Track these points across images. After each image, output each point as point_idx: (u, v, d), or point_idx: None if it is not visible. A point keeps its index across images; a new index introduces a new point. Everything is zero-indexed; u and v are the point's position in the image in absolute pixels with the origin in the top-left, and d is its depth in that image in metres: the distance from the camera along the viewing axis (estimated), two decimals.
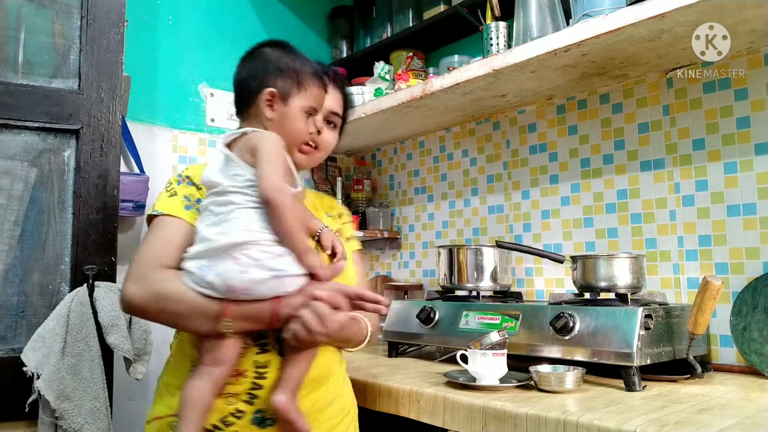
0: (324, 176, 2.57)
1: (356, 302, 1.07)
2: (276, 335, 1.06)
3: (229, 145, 1.08)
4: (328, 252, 1.16)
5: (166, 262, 1.04)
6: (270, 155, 1.02)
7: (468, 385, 1.28)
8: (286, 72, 1.13)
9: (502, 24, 1.72)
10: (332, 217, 1.35)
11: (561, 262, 1.58)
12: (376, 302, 1.08)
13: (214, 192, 1.04)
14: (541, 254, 1.62)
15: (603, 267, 1.47)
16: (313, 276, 1.04)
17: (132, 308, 1.03)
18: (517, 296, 1.82)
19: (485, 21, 1.77)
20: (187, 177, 1.17)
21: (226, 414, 1.03)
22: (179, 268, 1.03)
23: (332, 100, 1.28)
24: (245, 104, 1.14)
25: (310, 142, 1.19)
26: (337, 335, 1.07)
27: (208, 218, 1.03)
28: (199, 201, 1.11)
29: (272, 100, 1.11)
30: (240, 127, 1.14)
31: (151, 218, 1.12)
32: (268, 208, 1.00)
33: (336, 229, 1.29)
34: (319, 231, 1.18)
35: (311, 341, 1.02)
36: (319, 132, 1.19)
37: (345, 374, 1.26)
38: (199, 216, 1.07)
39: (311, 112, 1.15)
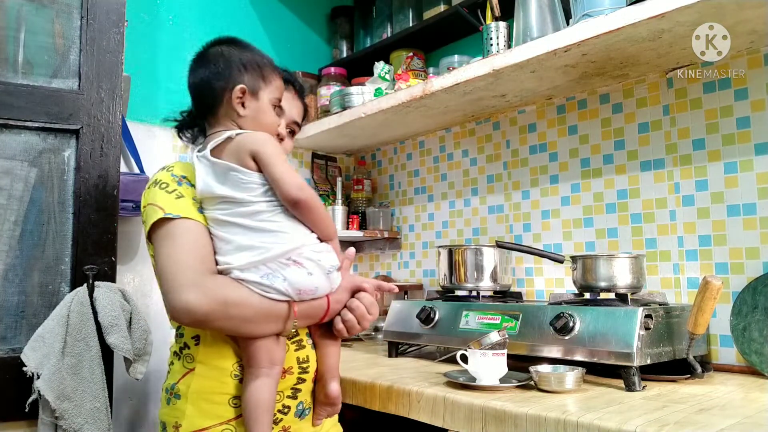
0: (324, 176, 2.57)
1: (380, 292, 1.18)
2: (307, 331, 1.15)
3: (213, 152, 1.07)
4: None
5: (211, 268, 1.02)
6: (278, 157, 1.04)
7: (468, 385, 1.28)
8: (250, 67, 1.12)
9: (502, 24, 1.72)
10: None
11: (561, 262, 1.58)
12: (390, 291, 1.19)
13: (229, 203, 1.04)
14: (541, 254, 1.62)
15: (603, 267, 1.47)
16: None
17: (193, 318, 0.97)
18: (517, 296, 1.82)
19: (485, 21, 1.77)
20: (184, 177, 1.12)
21: (275, 412, 1.07)
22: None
23: (295, 110, 1.29)
24: (211, 106, 1.12)
25: (282, 137, 1.24)
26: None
27: (235, 230, 1.03)
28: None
29: (243, 97, 1.10)
30: (210, 131, 1.13)
31: (162, 221, 1.04)
32: (298, 208, 1.04)
33: None
34: None
35: (359, 330, 1.12)
36: (280, 137, 1.22)
37: None
38: (215, 225, 1.05)
39: (277, 104, 1.16)
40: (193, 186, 1.11)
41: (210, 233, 1.06)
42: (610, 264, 1.46)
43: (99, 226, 1.58)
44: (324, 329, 1.15)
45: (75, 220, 1.56)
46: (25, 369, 1.41)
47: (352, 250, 1.19)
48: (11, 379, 1.42)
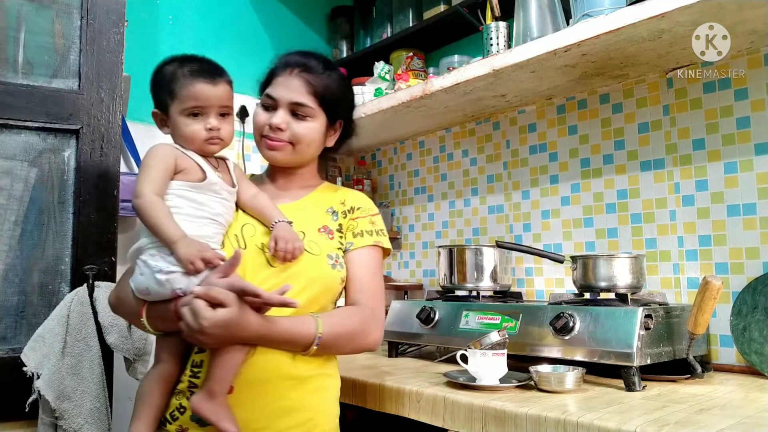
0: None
1: (246, 299, 1.00)
2: None
3: None
4: (271, 244, 1.10)
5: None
6: (143, 166, 1.11)
7: (468, 385, 1.28)
8: (160, 87, 1.15)
9: (502, 24, 1.72)
10: (336, 212, 1.24)
11: (561, 262, 1.58)
12: (256, 295, 1.00)
13: None
14: (541, 254, 1.62)
15: (603, 267, 1.47)
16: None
17: (112, 309, 1.23)
18: (517, 296, 1.82)
19: (485, 21, 1.77)
20: None
21: (173, 409, 1.09)
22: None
23: (289, 91, 1.18)
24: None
25: (272, 135, 1.20)
26: (217, 333, 0.97)
27: None
28: None
29: (163, 120, 1.17)
30: None
31: None
32: (136, 212, 1.08)
33: (339, 224, 1.22)
34: (274, 223, 1.14)
35: (197, 339, 0.98)
36: (275, 127, 1.18)
37: (321, 383, 1.14)
38: None
39: (196, 111, 1.13)
40: None
41: None
42: (610, 264, 1.46)
43: (99, 226, 1.58)
44: None
45: (75, 220, 1.56)
46: (25, 369, 1.41)
47: (238, 252, 1.03)
48: (11, 379, 1.42)
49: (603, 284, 1.46)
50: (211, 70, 1.16)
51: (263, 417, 1.06)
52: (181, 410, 1.08)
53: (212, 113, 1.14)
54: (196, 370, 1.08)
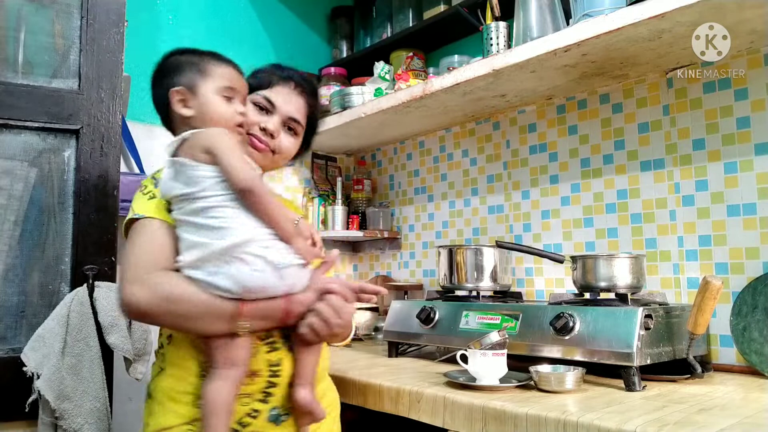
0: (324, 176, 2.57)
1: (359, 295, 1.10)
2: (283, 333, 1.08)
3: (174, 155, 1.06)
4: (309, 242, 1.13)
5: (162, 265, 1.01)
6: (228, 148, 1.01)
7: (468, 385, 1.28)
8: (184, 66, 1.09)
9: (502, 24, 1.72)
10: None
11: (561, 262, 1.58)
12: (376, 293, 1.11)
13: (183, 200, 1.02)
14: (541, 254, 1.62)
15: (603, 267, 1.47)
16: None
17: (137, 312, 0.99)
18: (517, 296, 1.82)
19: (485, 21, 1.77)
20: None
21: (242, 415, 1.04)
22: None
23: (292, 106, 1.23)
24: (165, 117, 1.12)
25: (262, 138, 1.19)
26: (348, 327, 1.10)
27: (189, 227, 1.02)
28: None
29: (184, 98, 1.08)
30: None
31: (131, 222, 1.08)
32: (245, 198, 0.99)
33: None
34: (296, 221, 1.15)
35: (328, 334, 1.05)
36: (269, 132, 1.19)
37: (327, 370, 1.28)
38: (177, 227, 1.04)
39: (228, 94, 1.10)
40: None
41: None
42: (610, 264, 1.46)
43: (99, 226, 1.57)
44: (295, 333, 1.09)
45: (75, 220, 1.56)
46: (25, 369, 1.41)
47: (335, 252, 1.16)
48: (11, 379, 1.42)
49: (603, 284, 1.46)
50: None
51: None
52: (254, 414, 1.05)
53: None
54: (275, 369, 1.07)
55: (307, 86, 1.27)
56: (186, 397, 1.05)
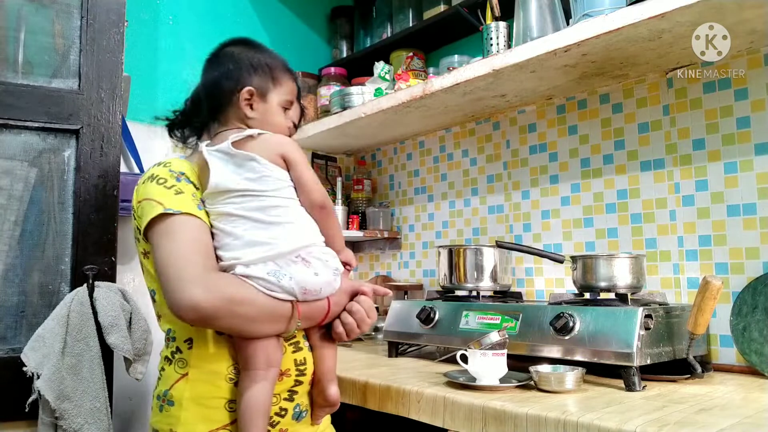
0: (324, 176, 2.57)
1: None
2: (303, 333, 1.13)
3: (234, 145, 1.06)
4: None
5: (213, 264, 1.00)
6: (305, 163, 1.08)
7: (468, 385, 1.28)
8: (260, 69, 1.11)
9: (502, 24, 1.72)
10: None
11: (561, 262, 1.58)
12: (386, 294, 1.21)
13: (242, 196, 1.02)
14: (541, 254, 1.62)
15: (603, 267, 1.47)
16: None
17: (199, 315, 0.94)
18: (517, 296, 1.82)
19: (485, 21, 1.77)
20: (182, 173, 1.08)
21: (271, 415, 1.06)
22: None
23: (296, 114, 1.26)
24: (221, 106, 1.12)
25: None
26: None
27: (244, 223, 1.01)
28: (203, 201, 1.07)
29: (251, 99, 1.10)
30: (219, 129, 1.12)
31: (162, 216, 1.00)
32: (319, 212, 1.08)
33: None
34: None
35: (357, 333, 1.12)
36: (296, 127, 1.22)
37: None
38: (222, 220, 1.02)
39: (287, 106, 1.15)
40: (192, 183, 1.07)
41: (213, 230, 1.04)
42: (610, 264, 1.46)
43: (99, 226, 1.58)
44: (322, 332, 1.14)
45: (75, 220, 1.56)
46: (25, 369, 1.41)
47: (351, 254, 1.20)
48: (11, 379, 1.42)
49: (603, 284, 1.46)
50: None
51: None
52: (282, 413, 1.09)
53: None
54: (302, 368, 1.11)
55: (299, 91, 1.27)
56: (217, 401, 1.04)
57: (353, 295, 1.13)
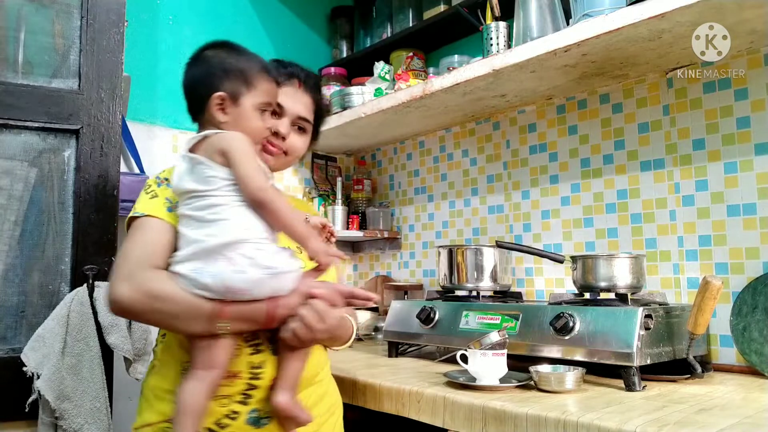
0: (324, 176, 2.57)
1: (349, 300, 1.09)
2: (269, 335, 1.07)
3: (191, 150, 1.06)
4: (323, 237, 1.17)
5: (153, 263, 1.01)
6: (244, 155, 1.01)
7: (468, 385, 1.28)
8: (232, 73, 1.08)
9: (502, 24, 1.72)
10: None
11: (561, 262, 1.58)
12: (368, 299, 1.11)
13: (192, 197, 1.02)
14: (541, 254, 1.62)
15: (603, 267, 1.46)
16: (314, 264, 1.05)
17: (121, 308, 1.00)
18: (517, 296, 1.82)
19: (485, 21, 1.77)
20: (166, 179, 1.13)
21: (220, 416, 1.03)
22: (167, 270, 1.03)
23: (300, 105, 1.24)
24: (197, 110, 1.11)
25: (274, 142, 1.20)
26: (333, 333, 1.10)
27: (191, 223, 1.01)
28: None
29: (223, 104, 1.08)
30: (198, 132, 1.11)
31: (131, 220, 1.09)
32: (261, 208, 1.00)
33: None
34: (306, 218, 1.17)
35: (311, 339, 1.03)
36: (280, 135, 1.20)
37: (330, 373, 1.28)
38: (182, 221, 1.04)
39: (265, 108, 1.12)
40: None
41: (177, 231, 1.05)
42: (610, 264, 1.46)
43: (99, 226, 1.58)
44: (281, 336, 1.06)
45: (75, 220, 1.56)
46: (25, 369, 1.41)
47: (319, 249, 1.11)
48: (11, 379, 1.42)
49: (603, 284, 1.46)
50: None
51: (310, 405, 1.13)
52: (233, 416, 1.03)
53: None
54: (257, 371, 1.05)
55: (312, 81, 1.28)
56: (169, 395, 1.05)
57: (308, 298, 1.03)
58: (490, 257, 1.73)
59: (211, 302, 0.97)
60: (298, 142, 1.25)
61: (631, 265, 1.46)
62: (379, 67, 2.19)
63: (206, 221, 1.00)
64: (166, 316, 0.99)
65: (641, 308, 1.27)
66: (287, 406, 1.02)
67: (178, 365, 1.07)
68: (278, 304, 1.01)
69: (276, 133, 1.20)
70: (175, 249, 1.03)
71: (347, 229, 2.39)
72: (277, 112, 1.21)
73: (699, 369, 1.29)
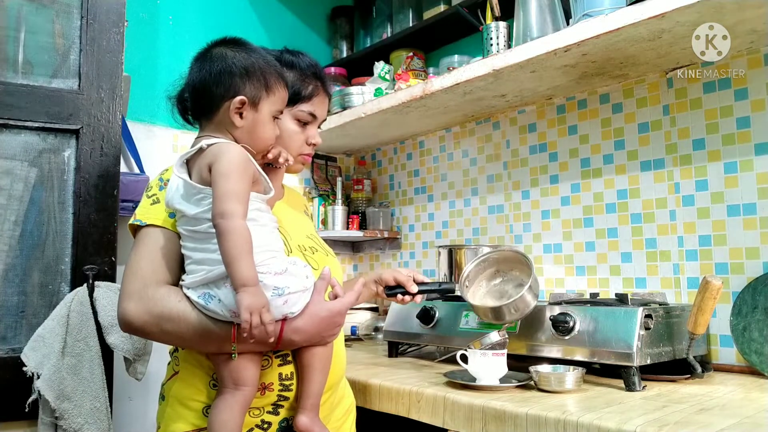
0: (324, 176, 2.57)
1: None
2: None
3: (188, 162, 1.01)
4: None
5: (162, 277, 0.99)
6: (224, 176, 0.94)
7: (468, 385, 1.28)
8: (254, 75, 1.02)
9: (502, 24, 1.72)
10: (307, 216, 1.37)
11: (452, 292, 1.48)
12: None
13: (188, 219, 0.98)
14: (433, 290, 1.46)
15: None
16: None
17: (131, 329, 0.98)
18: None
19: (485, 21, 1.77)
20: (168, 181, 1.07)
21: (251, 426, 1.02)
22: (178, 279, 1.01)
23: (325, 109, 1.24)
24: (207, 110, 1.04)
25: (309, 151, 1.21)
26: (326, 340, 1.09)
27: (192, 244, 0.99)
28: None
29: (242, 108, 1.02)
30: (199, 134, 1.07)
31: (135, 228, 1.05)
32: (216, 233, 0.92)
33: (310, 234, 1.25)
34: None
35: (324, 342, 1.05)
36: (317, 145, 1.22)
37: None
38: (182, 239, 1.01)
39: (277, 116, 1.08)
40: None
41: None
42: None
43: (99, 226, 1.58)
44: (299, 351, 1.04)
45: (75, 220, 1.56)
46: (25, 369, 1.41)
47: (326, 270, 1.07)
48: (11, 379, 1.42)
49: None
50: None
51: (330, 410, 1.14)
52: (265, 426, 1.03)
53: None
54: (287, 383, 1.05)
55: (328, 81, 1.26)
56: (196, 404, 1.03)
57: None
58: None
59: (223, 324, 0.95)
60: (320, 140, 1.25)
61: None
62: (379, 67, 2.19)
63: (207, 243, 0.96)
64: (176, 337, 0.98)
65: (641, 308, 1.27)
66: (306, 428, 1.02)
67: (204, 373, 1.04)
68: (289, 329, 0.98)
69: (314, 144, 1.20)
70: (181, 256, 1.01)
71: (347, 229, 2.39)
72: (308, 121, 1.19)
73: (699, 369, 1.29)
